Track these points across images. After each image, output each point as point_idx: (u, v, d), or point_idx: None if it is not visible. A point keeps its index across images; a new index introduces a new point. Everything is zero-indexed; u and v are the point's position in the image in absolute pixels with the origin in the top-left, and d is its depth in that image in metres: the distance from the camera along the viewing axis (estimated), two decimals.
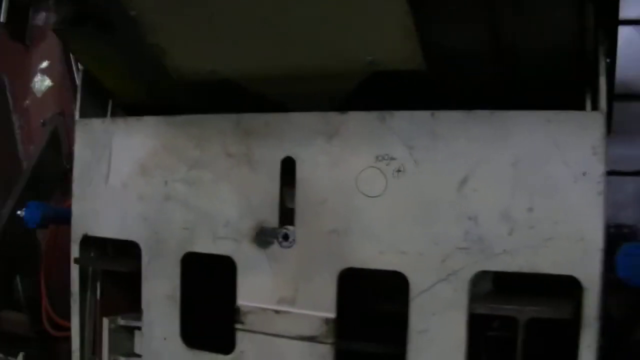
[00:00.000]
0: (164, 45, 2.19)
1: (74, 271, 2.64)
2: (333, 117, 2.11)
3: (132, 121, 2.50)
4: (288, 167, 2.19)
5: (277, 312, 2.18)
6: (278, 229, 2.18)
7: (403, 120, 2.02)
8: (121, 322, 2.56)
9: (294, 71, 2.11)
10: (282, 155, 2.19)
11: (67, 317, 2.94)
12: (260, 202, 2.22)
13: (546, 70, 1.92)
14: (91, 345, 2.69)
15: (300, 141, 2.16)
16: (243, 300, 2.24)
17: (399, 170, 2.02)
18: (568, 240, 1.82)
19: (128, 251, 2.67)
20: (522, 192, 1.87)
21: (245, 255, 2.24)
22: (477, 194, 1.92)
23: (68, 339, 2.98)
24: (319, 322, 2.11)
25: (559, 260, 1.82)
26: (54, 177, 3.24)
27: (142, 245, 2.45)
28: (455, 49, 1.89)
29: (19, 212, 2.80)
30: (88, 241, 2.63)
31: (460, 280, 1.92)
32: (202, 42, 2.16)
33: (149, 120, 2.46)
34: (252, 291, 2.23)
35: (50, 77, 3.48)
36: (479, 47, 1.86)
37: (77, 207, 2.63)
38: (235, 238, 2.26)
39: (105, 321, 2.55)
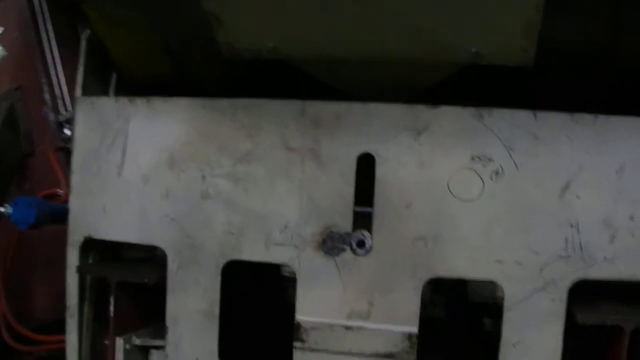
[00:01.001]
0: (221, 13, 1.87)
1: (72, 281, 2.22)
2: (422, 110, 1.95)
3: (157, 102, 2.13)
4: (364, 165, 1.99)
5: (347, 327, 1.99)
6: (352, 234, 1.98)
7: (503, 119, 1.92)
8: (137, 341, 2.19)
9: (377, 56, 1.91)
10: (359, 152, 1.98)
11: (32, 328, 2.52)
12: (329, 204, 2.00)
13: None
14: None
15: (381, 136, 1.97)
16: (304, 315, 2.02)
17: (497, 173, 1.92)
18: None
19: (129, 258, 2.32)
20: (624, 199, 1.87)
21: (308, 263, 2.01)
22: (579, 200, 1.88)
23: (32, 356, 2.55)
24: (399, 337, 1.96)
25: None
26: (10, 162, 2.66)
27: (168, 251, 2.11)
28: (572, 44, 1.82)
29: (2, 210, 2.26)
30: (88, 245, 2.22)
31: (559, 290, 1.88)
32: (268, 14, 1.87)
33: (181, 102, 2.11)
34: (316, 305, 2.02)
35: (5, 46, 2.85)
36: (596, 44, 1.81)
37: (77, 203, 2.21)
38: (296, 244, 2.02)
39: (120, 341, 2.17)
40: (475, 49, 1.83)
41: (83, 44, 2.25)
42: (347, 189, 1.99)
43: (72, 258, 2.22)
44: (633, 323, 1.84)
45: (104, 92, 2.34)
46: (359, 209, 1.98)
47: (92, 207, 2.20)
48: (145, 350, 2.25)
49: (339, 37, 1.89)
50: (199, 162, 2.08)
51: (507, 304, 1.91)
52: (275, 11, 1.84)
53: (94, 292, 2.29)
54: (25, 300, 2.88)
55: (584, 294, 1.91)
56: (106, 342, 2.26)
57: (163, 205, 2.11)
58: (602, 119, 1.88)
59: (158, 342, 2.21)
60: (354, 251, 1.98)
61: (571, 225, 1.88)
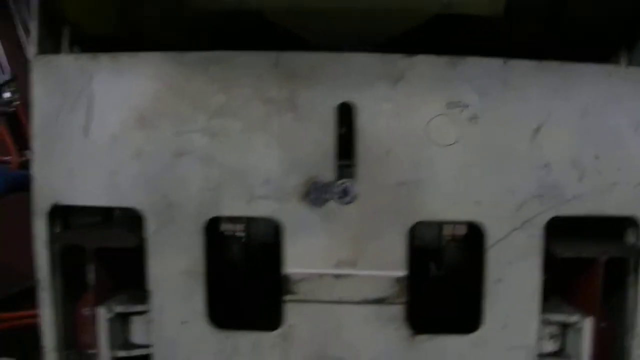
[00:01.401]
0: None
1: (41, 252, 2.12)
2: (398, 59, 1.99)
3: (123, 58, 2.04)
4: (343, 114, 2.01)
5: (336, 276, 2.04)
6: (335, 183, 2.01)
7: (475, 66, 1.99)
8: (118, 309, 2.15)
9: (347, 5, 1.92)
10: (337, 101, 2.00)
11: None
12: (309, 155, 2.02)
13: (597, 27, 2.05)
14: (62, 340, 2.22)
15: (359, 86, 1.99)
16: (292, 267, 2.05)
17: (471, 118, 1.99)
18: (629, 185, 2.01)
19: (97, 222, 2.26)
20: (589, 141, 2.00)
21: (293, 215, 2.03)
22: (549, 143, 2.00)
23: None
24: (388, 282, 2.03)
25: (622, 203, 2.01)
26: None
27: (145, 213, 2.07)
28: None
29: None
30: (55, 213, 2.13)
31: (535, 227, 2.01)
32: None
33: (149, 57, 2.04)
34: (304, 256, 2.05)
35: None
36: None
37: (41, 169, 2.10)
38: (279, 197, 2.03)
39: (102, 310, 2.11)
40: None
41: None
42: (328, 139, 2.01)
43: (39, 228, 2.12)
44: (606, 254, 1.99)
45: (55, 51, 2.20)
46: (341, 162, 2.00)
47: (57, 172, 2.09)
48: (124, 317, 2.20)
49: None
50: (171, 118, 2.03)
51: (488, 243, 2.01)
52: None
53: (62, 261, 2.20)
54: None
55: (558, 230, 2.03)
56: (84, 311, 2.20)
57: (135, 165, 2.05)
58: (567, 66, 1.99)
59: (139, 308, 2.16)
60: (338, 200, 2.01)
61: (543, 166, 2.00)
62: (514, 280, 2.03)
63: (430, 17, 1.99)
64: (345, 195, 2.01)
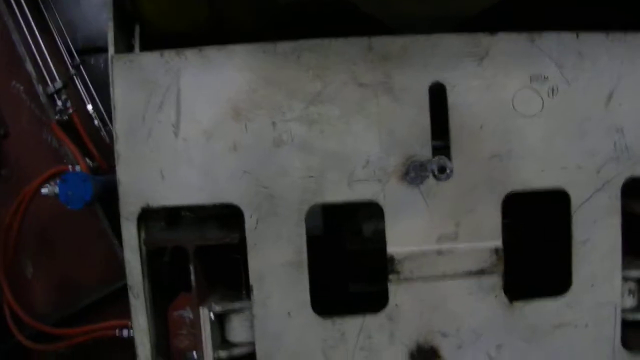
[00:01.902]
0: None
1: (132, 258, 2.08)
2: (482, 38, 2.12)
3: (212, 52, 2.05)
4: (435, 94, 2.12)
5: (439, 252, 2.14)
6: (432, 161, 2.11)
7: (552, 40, 2.15)
8: (216, 308, 2.14)
9: None
10: (429, 81, 2.11)
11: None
12: (406, 135, 2.11)
13: None
14: (155, 347, 2.18)
15: (448, 65, 2.11)
16: (396, 246, 2.13)
17: (552, 90, 2.16)
18: None
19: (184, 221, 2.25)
20: None
21: (394, 196, 2.11)
22: (621, 107, 2.19)
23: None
24: (487, 253, 2.15)
25: None
26: None
27: (244, 207, 2.08)
28: None
29: (44, 191, 2.00)
30: (145, 215, 2.10)
31: (614, 188, 2.19)
32: None
33: (238, 50, 2.06)
34: (406, 235, 2.13)
35: None
36: None
37: (128, 172, 2.07)
38: (380, 178, 2.11)
39: (205, 311, 2.09)
40: None
41: None
42: (423, 118, 2.11)
43: (130, 233, 2.08)
44: None
45: (128, 50, 2.18)
46: (436, 140, 2.10)
47: (146, 173, 2.07)
48: (220, 317, 2.19)
49: None
50: (268, 109, 2.06)
51: (574, 206, 2.17)
52: None
53: (150, 265, 2.17)
54: (27, 293, 2.64)
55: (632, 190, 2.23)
56: (177, 314, 2.17)
57: (232, 159, 2.06)
58: (630, 36, 2.20)
59: (237, 305, 2.16)
60: (436, 177, 2.11)
61: (617, 130, 2.19)
62: (598, 239, 2.20)
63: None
64: (442, 172, 2.11)
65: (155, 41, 2.21)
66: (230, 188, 2.07)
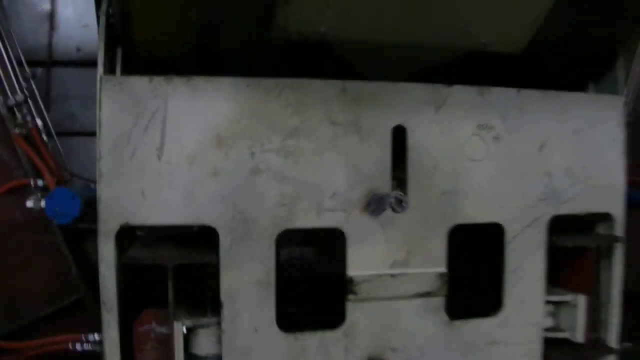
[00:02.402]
0: None
1: (108, 274, 2.23)
2: (441, 89, 2.48)
3: (199, 82, 2.26)
4: (397, 135, 2.44)
5: (392, 275, 2.46)
6: (391, 195, 2.42)
7: (497, 94, 2.55)
8: (188, 324, 2.33)
9: (409, 41, 2.36)
10: (393, 124, 2.43)
11: None
12: (370, 170, 2.41)
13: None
14: None
15: (410, 110, 2.44)
16: (355, 270, 2.42)
17: (496, 138, 2.55)
18: (607, 188, 2.71)
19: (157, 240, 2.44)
20: (579, 153, 2.66)
21: (356, 225, 2.41)
22: (551, 155, 2.62)
23: None
24: (433, 277, 2.50)
25: (603, 202, 2.71)
26: None
27: (220, 229, 2.30)
28: (558, 37, 2.52)
29: (29, 204, 2.08)
30: (122, 234, 2.26)
31: (541, 224, 2.62)
32: (332, 3, 2.18)
33: (225, 82, 2.28)
34: (364, 260, 2.43)
35: None
36: (573, 36, 2.53)
37: (109, 190, 2.22)
38: (345, 209, 2.40)
39: (178, 325, 2.27)
40: (484, 40, 2.40)
41: (102, 19, 2.22)
42: (386, 157, 2.42)
43: (107, 249, 2.23)
44: (595, 242, 2.66)
45: (110, 72, 2.33)
46: (395, 176, 2.42)
47: (127, 192, 2.23)
48: (187, 332, 2.38)
49: (382, 25, 2.27)
50: (248, 139, 2.29)
51: (507, 239, 2.57)
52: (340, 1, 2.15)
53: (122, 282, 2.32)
54: None
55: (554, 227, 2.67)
56: (143, 329, 2.33)
57: (212, 184, 2.27)
58: (563, 94, 2.64)
59: (206, 321, 2.36)
60: (393, 210, 2.41)
61: (547, 175, 2.62)
62: (526, 268, 2.62)
63: (463, 54, 2.49)
64: (399, 205, 2.42)
65: (137, 64, 2.37)
66: (208, 211, 2.27)
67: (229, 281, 2.31)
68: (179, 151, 2.24)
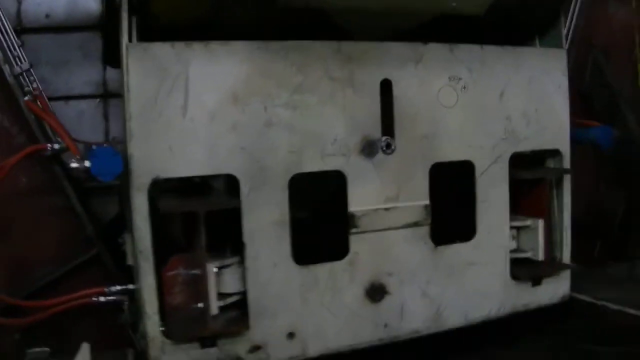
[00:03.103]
0: None
1: (143, 225, 2.59)
2: (419, 47, 3.00)
3: (216, 46, 2.65)
4: (384, 88, 2.96)
5: (386, 209, 2.99)
6: (381, 139, 2.94)
7: (464, 50, 3.11)
8: (216, 264, 2.75)
9: (386, 6, 2.87)
10: (381, 78, 2.93)
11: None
12: (364, 119, 2.91)
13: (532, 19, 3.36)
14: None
15: (394, 66, 2.95)
16: (355, 206, 2.93)
17: (464, 87, 3.12)
18: (556, 126, 3.37)
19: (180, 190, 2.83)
20: (531, 99, 3.29)
21: (354, 166, 2.91)
22: (509, 102, 3.23)
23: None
24: (419, 209, 3.05)
25: (552, 140, 3.36)
26: None
27: (240, 177, 2.72)
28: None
29: (73, 165, 2.39)
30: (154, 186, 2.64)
31: (504, 161, 3.23)
32: None
33: (237, 45, 2.69)
34: (362, 197, 2.94)
35: None
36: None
37: (140, 148, 2.57)
38: (344, 153, 2.89)
39: (211, 267, 2.69)
40: (454, 4, 2.94)
41: None
42: (375, 107, 2.93)
43: (140, 202, 2.59)
44: (551, 175, 3.31)
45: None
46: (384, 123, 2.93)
47: (156, 149, 2.59)
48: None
49: None
50: (260, 96, 2.72)
51: (477, 174, 3.16)
52: None
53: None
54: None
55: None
56: (172, 274, 2.73)
57: (231, 137, 2.69)
58: (518, 49, 3.24)
59: (230, 261, 2.80)
60: (384, 152, 2.94)
61: (506, 118, 3.23)
62: (493, 199, 3.23)
63: (435, 17, 3.02)
64: (388, 148, 2.95)
65: (149, 32, 2.73)
66: (229, 161, 2.69)
67: (249, 223, 2.74)
68: (201, 109, 2.63)
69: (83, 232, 3.23)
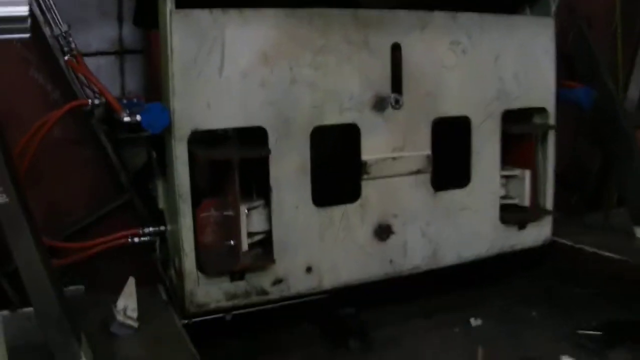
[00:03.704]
0: None
1: (182, 171, 3.07)
2: (424, 14, 3.50)
3: (249, 12, 3.11)
4: (394, 51, 3.46)
5: (393, 158, 3.53)
6: (391, 96, 3.46)
7: (465, 18, 3.61)
8: (247, 206, 3.26)
9: None
10: (391, 42, 3.43)
11: None
12: (376, 78, 3.42)
13: None
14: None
15: (404, 32, 3.45)
16: (367, 155, 3.46)
17: (463, 51, 3.64)
18: (543, 87, 3.92)
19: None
20: (522, 63, 3.82)
21: (366, 120, 3.43)
22: (503, 65, 3.76)
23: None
24: (422, 158, 3.60)
25: (539, 99, 3.92)
26: None
27: (268, 129, 3.22)
28: None
29: (126, 119, 2.87)
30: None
31: (496, 117, 3.78)
32: None
33: (268, 12, 3.15)
34: (373, 147, 3.47)
35: None
36: None
37: (181, 103, 3.03)
38: (359, 108, 3.40)
39: (243, 208, 3.19)
40: None
41: None
42: (386, 67, 3.44)
43: (180, 150, 3.06)
44: (537, 130, 3.88)
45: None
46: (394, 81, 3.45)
47: (195, 104, 3.06)
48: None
49: None
50: (287, 57, 3.20)
51: (473, 128, 3.71)
52: None
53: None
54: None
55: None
56: (205, 215, 3.24)
57: (261, 93, 3.17)
58: (511, 17, 3.78)
59: (257, 204, 3.31)
60: (393, 107, 3.46)
61: (499, 79, 3.76)
62: (487, 150, 3.79)
63: None
64: (397, 104, 3.47)
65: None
66: (259, 115, 3.18)
67: (276, 170, 3.25)
68: (235, 69, 3.10)
69: (114, 179, 3.67)
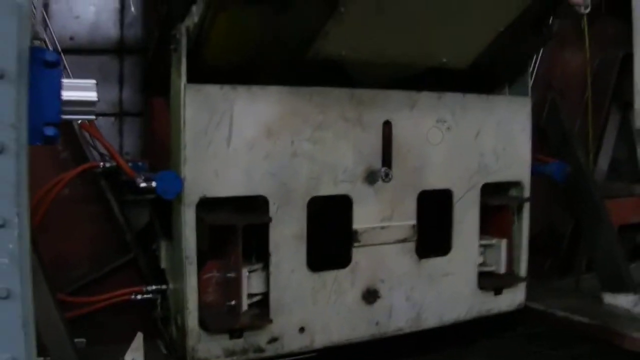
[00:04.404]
0: (331, 30, 3.47)
1: (190, 235, 3.45)
2: (413, 94, 4.00)
3: (256, 89, 3.56)
4: (385, 127, 3.94)
5: (382, 227, 3.97)
6: (381, 169, 3.92)
7: (449, 98, 4.13)
8: (247, 269, 3.64)
9: (393, 60, 3.84)
10: (383, 119, 3.92)
11: None
12: (368, 152, 3.89)
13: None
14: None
15: (394, 109, 3.94)
16: (357, 224, 3.89)
17: (448, 128, 4.15)
18: (519, 162, 4.44)
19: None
20: (500, 139, 4.35)
21: (358, 191, 3.87)
22: (483, 141, 4.28)
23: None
24: (408, 228, 4.05)
25: (516, 173, 4.44)
26: None
27: (269, 198, 3.64)
28: (489, 57, 4.13)
29: (142, 185, 3.23)
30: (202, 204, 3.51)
31: (476, 189, 4.27)
32: (352, 32, 3.58)
33: (273, 89, 3.60)
34: (364, 217, 3.91)
35: None
36: (498, 57, 4.17)
37: (192, 170, 3.44)
38: (352, 180, 3.85)
39: (244, 270, 3.58)
40: (445, 59, 3.95)
41: (184, 35, 3.41)
42: (378, 143, 3.91)
43: (189, 216, 3.45)
44: (514, 202, 4.38)
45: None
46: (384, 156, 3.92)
47: (204, 172, 3.47)
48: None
49: (380, 49, 3.73)
50: (289, 131, 3.64)
51: (455, 200, 4.19)
52: (354, 31, 3.55)
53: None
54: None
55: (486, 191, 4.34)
56: (208, 276, 3.61)
57: (265, 164, 3.60)
58: (491, 97, 4.31)
59: (256, 267, 3.70)
60: (383, 180, 3.91)
61: (480, 155, 4.27)
62: (467, 221, 4.26)
63: (426, 69, 4.03)
64: (387, 177, 3.93)
65: (199, 73, 3.60)
66: (262, 184, 3.59)
67: (275, 236, 3.66)
68: (242, 141, 3.53)
69: (118, 238, 4.01)
